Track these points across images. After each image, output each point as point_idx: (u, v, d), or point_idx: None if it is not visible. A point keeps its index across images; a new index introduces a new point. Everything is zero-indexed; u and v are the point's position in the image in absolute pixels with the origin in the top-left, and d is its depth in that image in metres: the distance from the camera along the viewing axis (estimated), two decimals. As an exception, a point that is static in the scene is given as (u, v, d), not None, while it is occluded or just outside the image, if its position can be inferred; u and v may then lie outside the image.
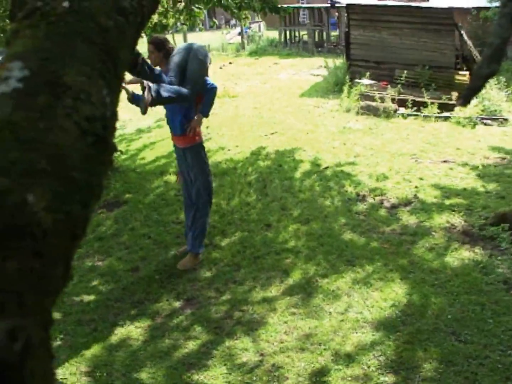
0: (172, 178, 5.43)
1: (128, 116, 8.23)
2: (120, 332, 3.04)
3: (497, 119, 6.78)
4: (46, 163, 0.47)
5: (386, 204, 4.55)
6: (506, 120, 6.74)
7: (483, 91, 6.48)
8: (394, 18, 8.55)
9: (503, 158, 5.46)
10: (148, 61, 3.35)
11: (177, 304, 3.31)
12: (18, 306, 0.42)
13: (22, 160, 0.46)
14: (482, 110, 6.97)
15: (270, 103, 8.29)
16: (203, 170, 3.64)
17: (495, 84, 7.36)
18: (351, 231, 4.10)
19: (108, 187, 5.08)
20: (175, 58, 3.36)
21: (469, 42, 8.53)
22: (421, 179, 5.01)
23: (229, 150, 6.28)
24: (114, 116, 0.61)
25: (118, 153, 6.02)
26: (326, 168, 5.40)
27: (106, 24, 0.62)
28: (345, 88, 7.90)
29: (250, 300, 3.29)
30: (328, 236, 4.07)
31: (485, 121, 6.75)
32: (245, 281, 3.53)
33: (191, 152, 3.60)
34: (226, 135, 6.88)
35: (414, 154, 5.75)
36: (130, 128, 7.71)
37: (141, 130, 7.54)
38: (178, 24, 6.02)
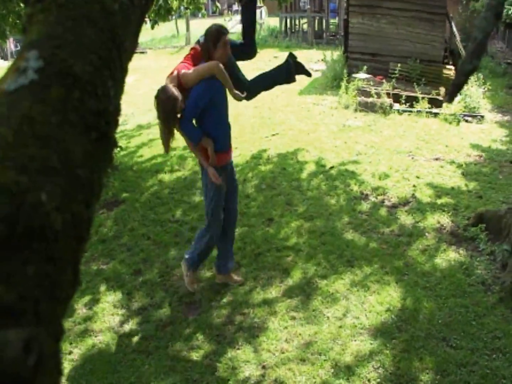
0: (166, 176, 5.32)
1: (130, 111, 8.06)
2: (124, 343, 3.01)
3: (476, 116, 6.91)
4: (57, 160, 0.46)
5: (387, 203, 4.62)
6: (482, 117, 6.89)
7: (465, 87, 6.55)
8: (392, 4, 8.54)
9: (480, 156, 5.59)
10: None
11: (179, 309, 3.33)
12: (34, 314, 0.40)
13: (38, 156, 0.44)
14: (464, 107, 7.08)
15: (270, 101, 8.17)
16: None
17: (475, 81, 7.46)
18: (353, 230, 4.16)
19: (107, 186, 4.99)
20: None
21: (457, 35, 8.60)
22: (417, 177, 5.09)
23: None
24: (117, 110, 0.59)
25: (118, 149, 5.84)
26: (331, 168, 5.42)
27: (112, 7, 0.60)
28: (343, 84, 7.92)
29: (251, 302, 3.34)
30: (330, 234, 4.13)
31: (466, 118, 6.88)
32: (246, 281, 3.57)
33: None
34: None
35: (410, 151, 5.82)
36: (131, 124, 7.56)
37: (141, 126, 7.40)
38: (182, 8, 5.75)
